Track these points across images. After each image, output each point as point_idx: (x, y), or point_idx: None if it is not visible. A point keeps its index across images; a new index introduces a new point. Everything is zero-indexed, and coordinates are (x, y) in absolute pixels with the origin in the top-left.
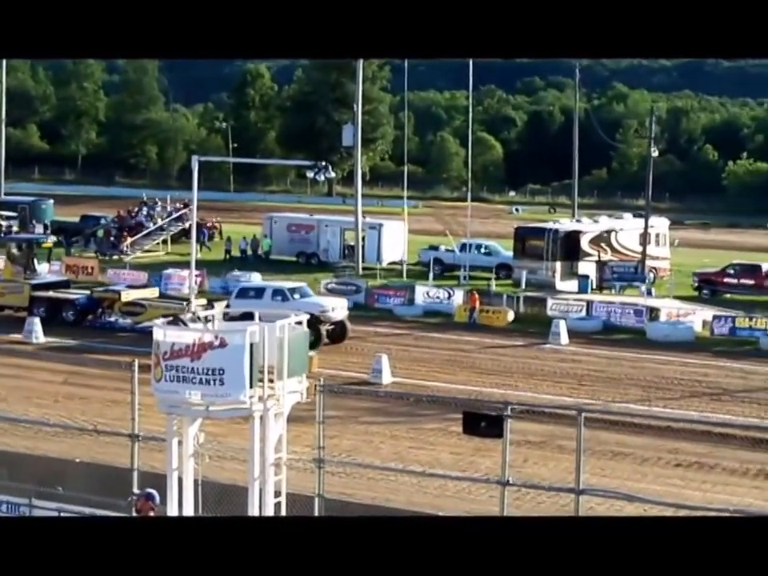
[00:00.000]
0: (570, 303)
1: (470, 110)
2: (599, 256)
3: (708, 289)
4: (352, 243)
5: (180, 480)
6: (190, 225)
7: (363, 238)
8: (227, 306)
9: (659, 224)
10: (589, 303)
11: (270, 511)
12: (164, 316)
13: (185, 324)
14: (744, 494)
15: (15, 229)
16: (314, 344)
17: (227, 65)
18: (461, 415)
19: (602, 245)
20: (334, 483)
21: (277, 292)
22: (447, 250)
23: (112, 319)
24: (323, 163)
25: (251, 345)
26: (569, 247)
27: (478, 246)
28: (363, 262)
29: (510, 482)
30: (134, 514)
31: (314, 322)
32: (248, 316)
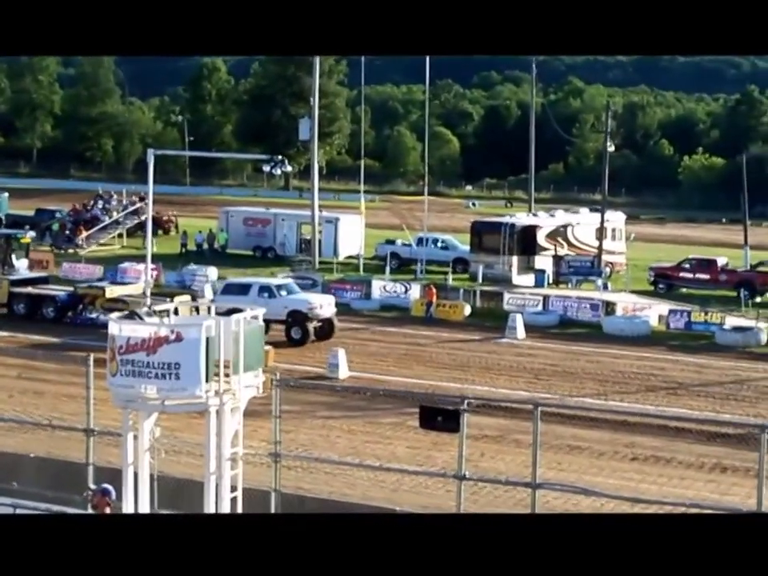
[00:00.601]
0: (527, 297)
1: (427, 104)
2: (556, 250)
3: (664, 283)
4: (308, 237)
5: (136, 475)
6: (146, 218)
7: (320, 232)
8: (212, 302)
9: (615, 218)
10: (545, 298)
11: (226, 506)
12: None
13: (141, 318)
14: (700, 487)
15: None
16: (301, 341)
17: (183, 58)
18: (417, 409)
19: (559, 239)
20: (290, 478)
21: (263, 288)
22: (404, 245)
23: (93, 316)
24: (279, 157)
25: (207, 339)
26: (525, 242)
27: (435, 241)
28: (320, 256)
29: (467, 476)
30: (90, 510)
31: (302, 319)
32: (235, 312)
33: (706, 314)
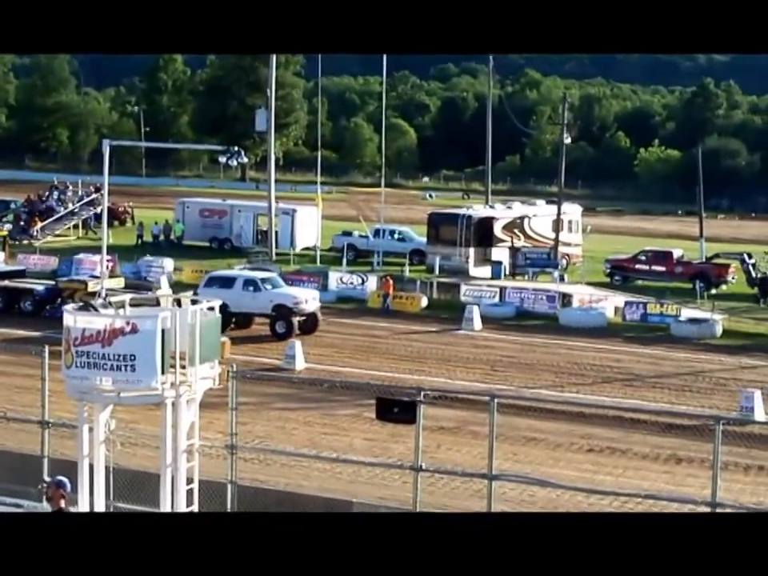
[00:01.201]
0: (483, 289)
1: (384, 95)
2: (512, 242)
3: (620, 275)
4: (265, 229)
5: (91, 467)
6: (102, 209)
7: (276, 224)
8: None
9: (572, 210)
10: (502, 289)
11: (182, 498)
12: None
13: (95, 309)
14: (655, 478)
15: None
16: (285, 335)
17: None
18: (374, 401)
19: (515, 231)
20: (246, 470)
21: (248, 282)
22: (361, 236)
23: None
24: (236, 148)
25: (163, 330)
26: (482, 233)
27: (392, 232)
28: (276, 247)
29: (424, 467)
30: (45, 502)
31: (287, 314)
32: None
33: (662, 305)
